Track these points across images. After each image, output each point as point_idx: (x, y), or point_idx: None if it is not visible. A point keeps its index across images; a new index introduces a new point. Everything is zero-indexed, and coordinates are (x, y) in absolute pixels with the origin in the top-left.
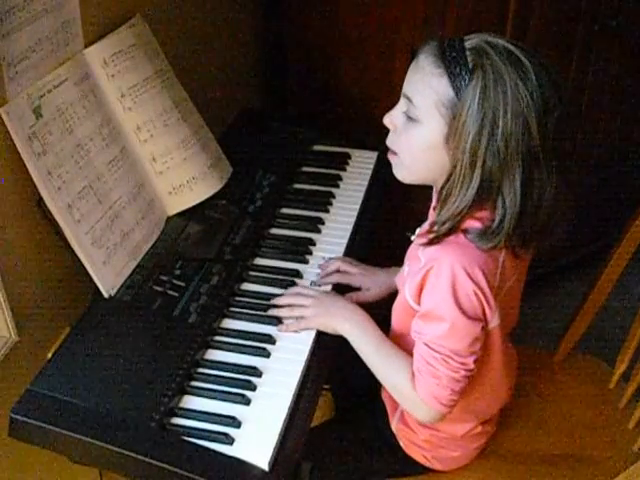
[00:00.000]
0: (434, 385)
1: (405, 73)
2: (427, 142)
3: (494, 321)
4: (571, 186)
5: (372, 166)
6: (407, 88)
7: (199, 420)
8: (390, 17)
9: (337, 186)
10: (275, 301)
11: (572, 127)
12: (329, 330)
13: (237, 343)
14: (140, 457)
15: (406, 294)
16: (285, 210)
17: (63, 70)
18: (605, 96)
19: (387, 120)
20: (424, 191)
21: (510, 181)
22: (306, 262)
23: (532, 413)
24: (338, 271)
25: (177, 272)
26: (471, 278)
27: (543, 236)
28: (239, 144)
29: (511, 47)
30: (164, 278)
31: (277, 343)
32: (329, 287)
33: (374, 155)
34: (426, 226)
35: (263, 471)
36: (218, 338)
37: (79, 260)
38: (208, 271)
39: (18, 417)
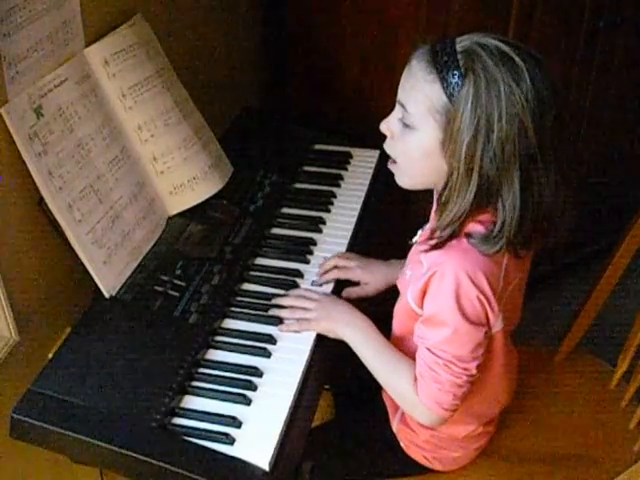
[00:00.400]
0: (436, 390)
1: None
2: (423, 148)
3: (497, 325)
4: (573, 185)
5: (374, 165)
6: (401, 95)
7: (200, 420)
8: (390, 17)
9: (338, 185)
10: (277, 301)
11: (575, 125)
12: (331, 334)
13: (238, 343)
14: (141, 457)
15: (408, 298)
16: (286, 210)
17: (64, 70)
18: (609, 93)
19: (384, 127)
20: (426, 190)
21: (509, 184)
22: (307, 262)
23: (533, 413)
24: (336, 267)
25: (178, 272)
26: (474, 284)
27: (545, 235)
28: (240, 144)
29: (503, 47)
30: (165, 278)
31: (278, 343)
32: (330, 285)
33: (375, 154)
34: (427, 231)
35: (264, 471)
36: (219, 338)
37: (80, 260)
38: (209, 271)
39: (19, 417)
